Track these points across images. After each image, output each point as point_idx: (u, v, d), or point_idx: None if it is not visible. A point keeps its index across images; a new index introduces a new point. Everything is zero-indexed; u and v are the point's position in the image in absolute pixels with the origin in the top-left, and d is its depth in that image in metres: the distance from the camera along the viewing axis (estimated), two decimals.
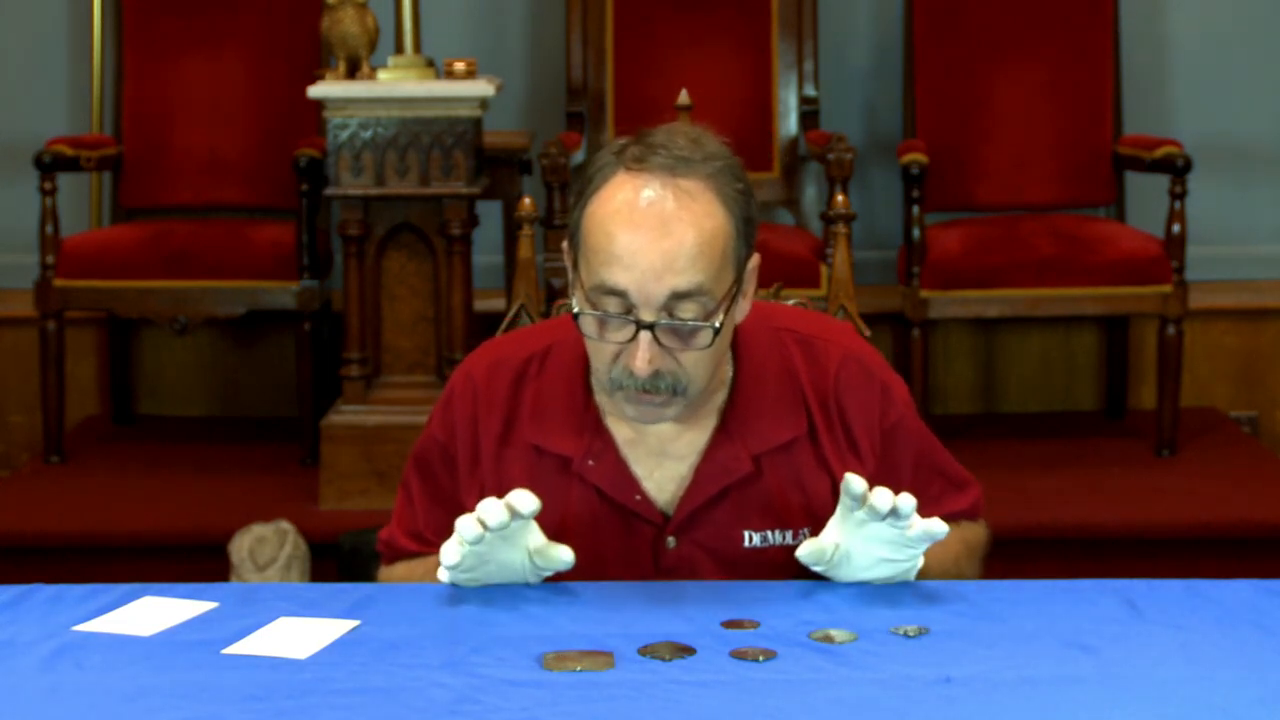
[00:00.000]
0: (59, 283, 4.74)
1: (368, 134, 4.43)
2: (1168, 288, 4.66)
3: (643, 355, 2.01)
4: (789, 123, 5.15)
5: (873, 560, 2.05)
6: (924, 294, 4.69)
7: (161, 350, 5.31)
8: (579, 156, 4.99)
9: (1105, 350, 5.24)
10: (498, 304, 4.59)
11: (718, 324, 2.03)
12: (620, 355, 2.04)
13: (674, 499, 2.16)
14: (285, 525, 4.23)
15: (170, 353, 5.31)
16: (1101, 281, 4.67)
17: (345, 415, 4.51)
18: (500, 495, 2.08)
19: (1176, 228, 4.67)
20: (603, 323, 2.04)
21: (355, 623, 1.98)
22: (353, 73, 4.47)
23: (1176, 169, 4.68)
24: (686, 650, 1.89)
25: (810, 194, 5.17)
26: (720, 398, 2.17)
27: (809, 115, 5.15)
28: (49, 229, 4.73)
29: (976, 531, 2.31)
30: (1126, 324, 5.15)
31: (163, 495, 4.59)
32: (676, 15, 5.20)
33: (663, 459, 2.17)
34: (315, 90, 4.45)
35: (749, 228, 2.07)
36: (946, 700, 1.77)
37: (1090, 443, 4.98)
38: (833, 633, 1.94)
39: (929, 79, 5.15)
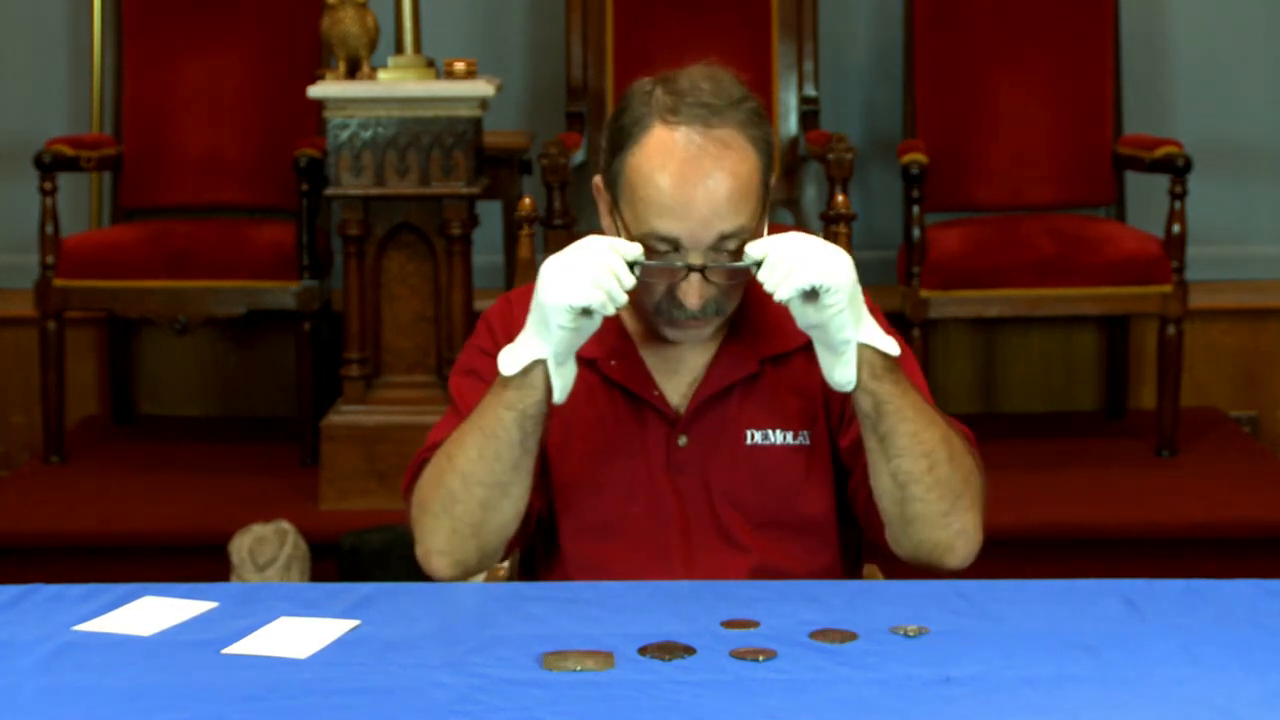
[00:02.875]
0: (59, 283, 4.74)
1: (368, 134, 4.43)
2: (1168, 288, 4.66)
3: (695, 293, 2.21)
4: (789, 123, 5.15)
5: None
6: (924, 294, 4.69)
7: (161, 350, 5.31)
8: (579, 156, 4.99)
9: (1105, 350, 5.24)
10: None
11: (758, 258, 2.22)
12: (668, 291, 2.23)
13: (685, 400, 2.32)
14: (285, 525, 4.23)
15: (170, 353, 5.31)
16: (1101, 281, 4.67)
17: (345, 415, 4.51)
18: None
19: (1176, 228, 4.66)
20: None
21: (355, 623, 1.98)
22: (353, 73, 4.47)
23: (1176, 169, 4.68)
24: (686, 650, 1.89)
25: (810, 194, 5.17)
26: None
27: (809, 115, 5.15)
28: (49, 229, 4.73)
29: (966, 446, 2.25)
30: (1126, 324, 5.15)
31: (163, 495, 4.59)
32: (676, 15, 5.20)
33: (679, 365, 2.34)
34: (315, 90, 4.45)
35: (771, 156, 2.28)
36: (946, 700, 1.77)
37: (1090, 443, 4.98)
38: (833, 632, 1.94)
39: (929, 79, 5.15)
